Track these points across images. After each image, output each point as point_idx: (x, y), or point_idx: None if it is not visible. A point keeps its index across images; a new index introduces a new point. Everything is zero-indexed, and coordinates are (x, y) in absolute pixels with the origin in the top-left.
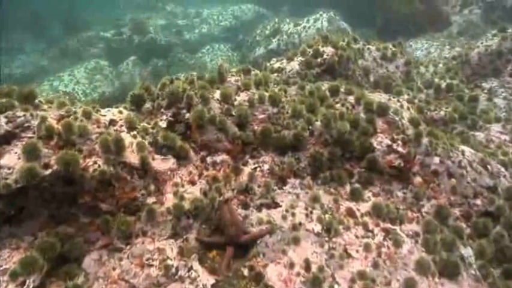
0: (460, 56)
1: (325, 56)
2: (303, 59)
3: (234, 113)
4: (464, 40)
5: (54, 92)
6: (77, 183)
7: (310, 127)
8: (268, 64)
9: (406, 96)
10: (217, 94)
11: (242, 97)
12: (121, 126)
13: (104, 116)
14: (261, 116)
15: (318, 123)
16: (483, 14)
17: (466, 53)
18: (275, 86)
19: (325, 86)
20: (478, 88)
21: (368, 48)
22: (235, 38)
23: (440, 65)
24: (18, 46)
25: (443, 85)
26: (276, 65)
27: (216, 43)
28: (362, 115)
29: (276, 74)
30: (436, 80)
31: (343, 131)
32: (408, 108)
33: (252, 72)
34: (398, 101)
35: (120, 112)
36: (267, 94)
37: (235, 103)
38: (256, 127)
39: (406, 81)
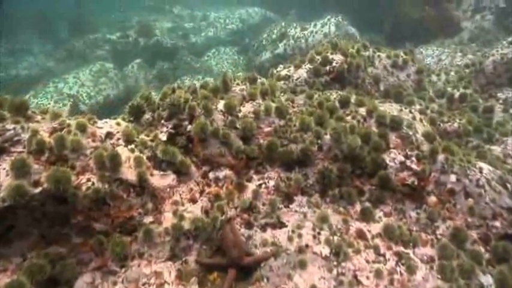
0: (473, 64)
1: (334, 64)
2: (311, 66)
3: (238, 126)
4: (476, 47)
5: (58, 95)
6: (69, 202)
7: (319, 141)
8: (275, 71)
9: (418, 107)
10: (221, 105)
11: (247, 108)
12: (118, 139)
13: (101, 128)
14: (267, 129)
15: (327, 137)
16: (495, 20)
17: (480, 61)
18: (282, 94)
19: (334, 95)
20: (492, 98)
21: (378, 56)
22: (242, 41)
23: (452, 73)
24: (25, 47)
25: (457, 95)
26: (283, 73)
27: (223, 46)
28: (374, 129)
29: (282, 82)
30: (449, 89)
31: (354, 146)
32: (421, 120)
33: (258, 81)
34: (410, 112)
35: (118, 124)
36: (273, 105)
37: (240, 115)
38: (261, 140)
39: (417, 90)
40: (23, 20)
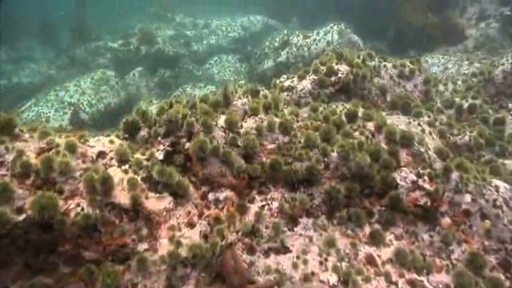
0: (481, 73)
1: (339, 75)
2: (315, 77)
3: (240, 143)
4: (482, 55)
5: (59, 103)
6: (56, 229)
7: (325, 159)
8: (277, 81)
9: (426, 118)
10: (221, 120)
11: (249, 124)
12: (111, 159)
13: (92, 147)
14: (270, 146)
15: (334, 154)
16: (501, 28)
17: (488, 71)
18: (285, 106)
19: (340, 108)
20: (503, 109)
21: (384, 66)
22: (244, 49)
23: (459, 82)
24: (28, 54)
25: (465, 105)
26: (286, 83)
27: (224, 54)
28: (383, 145)
29: (286, 93)
30: (457, 99)
31: (363, 165)
32: (430, 133)
33: (261, 93)
34: (419, 124)
35: (111, 142)
36: (277, 121)
37: (242, 131)
38: (264, 159)
39: (425, 101)
40: (26, 26)
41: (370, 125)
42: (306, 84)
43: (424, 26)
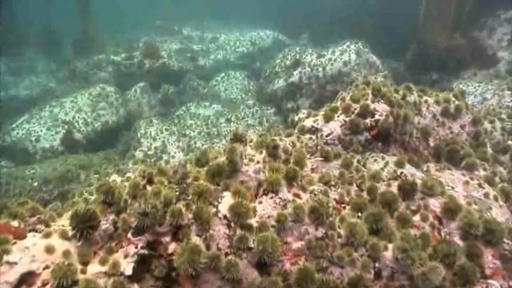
0: None
1: (377, 116)
2: (346, 118)
3: (252, 244)
4: None
5: (53, 120)
6: None
7: (376, 264)
8: (296, 118)
9: (482, 172)
10: (224, 206)
11: (266, 209)
12: (44, 285)
13: (13, 264)
14: (297, 245)
15: (389, 254)
16: None
17: None
18: (309, 157)
19: (380, 163)
20: None
21: (426, 101)
22: (253, 65)
23: (503, 116)
24: (30, 65)
25: None
26: (308, 123)
27: (232, 70)
28: (458, 240)
29: (308, 136)
30: (511, 142)
31: (436, 282)
32: (495, 198)
33: (280, 147)
34: (480, 185)
35: (49, 250)
36: (307, 206)
37: (255, 223)
38: (288, 264)
39: (474, 145)
40: (29, 37)
41: (435, 204)
42: (335, 127)
43: (450, 48)
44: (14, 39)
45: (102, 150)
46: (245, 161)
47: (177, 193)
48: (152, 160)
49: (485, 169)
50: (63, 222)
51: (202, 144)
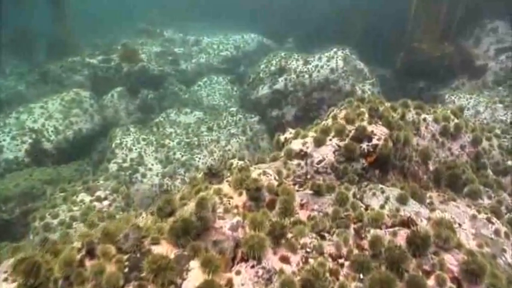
0: None
1: (375, 141)
2: (340, 143)
3: None
4: (504, 91)
5: (19, 129)
6: None
7: None
8: (281, 138)
9: (486, 201)
10: (190, 282)
11: (245, 285)
12: None
13: None
14: None
15: None
16: None
17: None
18: (296, 188)
19: (379, 198)
20: None
21: (424, 120)
22: (236, 69)
23: (497, 131)
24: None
25: None
26: (296, 147)
27: (215, 75)
28: None
29: (296, 162)
30: (510, 162)
31: None
32: (507, 235)
33: (264, 187)
34: (488, 220)
35: None
36: (297, 278)
37: None
38: None
39: (475, 168)
40: (0, 38)
41: (452, 262)
42: (327, 153)
43: (440, 56)
44: None
45: (75, 160)
46: (220, 210)
47: (127, 269)
48: (127, 173)
49: (489, 197)
50: None
51: (182, 156)
